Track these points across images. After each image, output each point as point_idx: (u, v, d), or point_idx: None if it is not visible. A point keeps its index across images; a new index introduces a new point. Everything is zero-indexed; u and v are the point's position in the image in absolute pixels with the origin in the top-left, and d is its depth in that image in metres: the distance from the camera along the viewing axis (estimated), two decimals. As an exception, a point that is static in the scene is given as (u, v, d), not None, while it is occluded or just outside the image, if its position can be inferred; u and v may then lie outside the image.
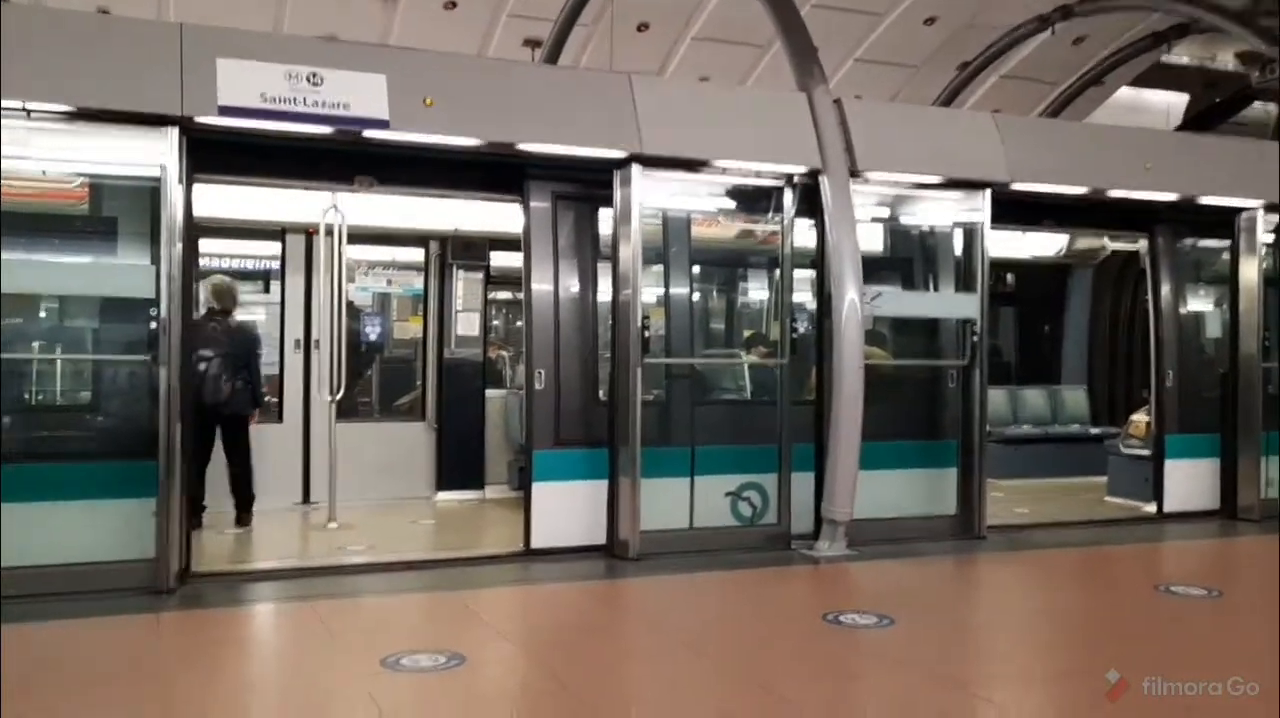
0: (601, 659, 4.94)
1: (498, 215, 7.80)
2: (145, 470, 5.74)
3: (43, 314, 6.33)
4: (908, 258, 8.42)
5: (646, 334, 6.76)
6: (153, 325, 5.74)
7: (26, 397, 6.23)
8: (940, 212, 8.05)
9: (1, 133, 5.43)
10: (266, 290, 9.09)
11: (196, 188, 6.06)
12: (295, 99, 5.92)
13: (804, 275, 7.39)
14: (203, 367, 7.24)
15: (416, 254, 9.21)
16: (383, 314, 9.80)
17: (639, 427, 6.67)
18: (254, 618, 5.88)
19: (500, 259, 9.16)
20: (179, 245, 5.82)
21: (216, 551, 6.73)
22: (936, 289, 8.13)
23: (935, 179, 7.61)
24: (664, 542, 6.78)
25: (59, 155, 6.03)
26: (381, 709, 4.08)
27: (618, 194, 6.80)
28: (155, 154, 5.76)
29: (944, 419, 7.87)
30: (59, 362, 6.38)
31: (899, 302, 7.86)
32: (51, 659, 4.66)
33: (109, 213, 6.47)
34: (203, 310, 7.48)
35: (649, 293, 7.08)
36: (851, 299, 6.89)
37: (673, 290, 7.37)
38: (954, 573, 7.11)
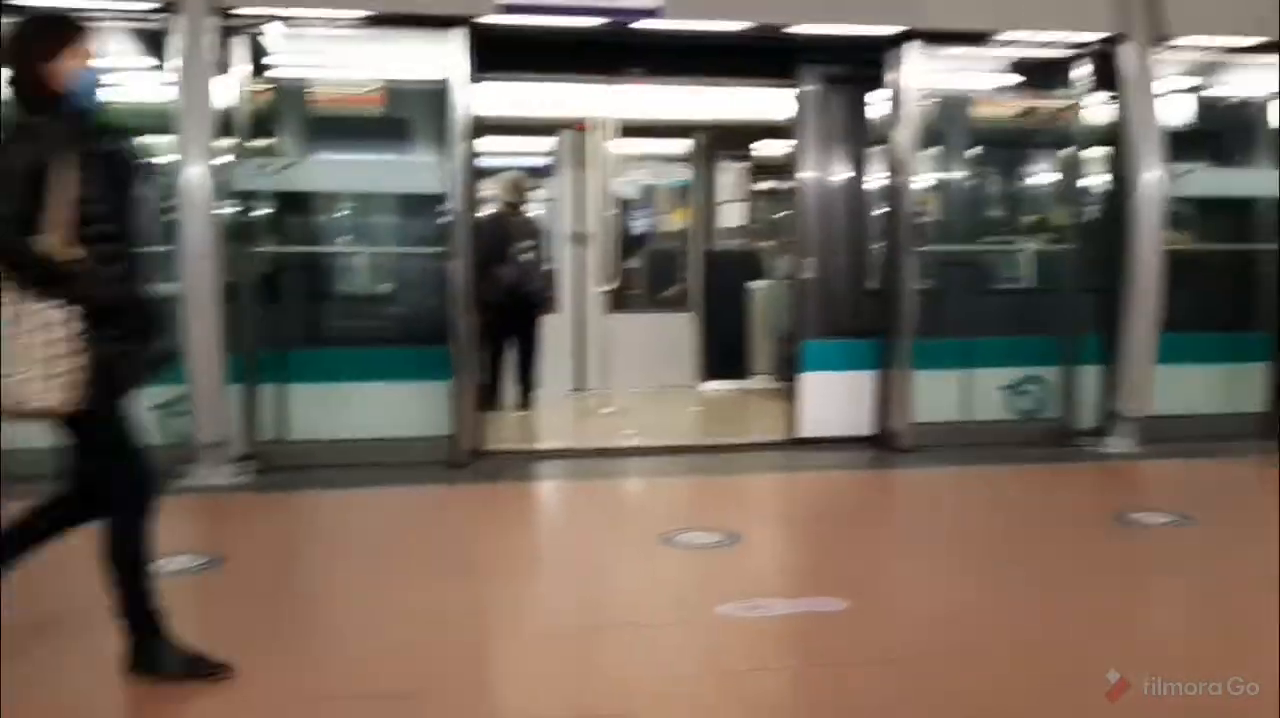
0: (877, 546, 4.93)
1: (763, 104, 7.68)
2: (442, 356, 6.19)
3: (349, 212, 6.90)
4: (1218, 131, 7.55)
5: (921, 221, 6.48)
6: (445, 219, 6.12)
7: (340, 287, 6.85)
8: (1262, 78, 7.13)
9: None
10: (539, 187, 9.45)
11: (478, 86, 6.33)
12: (570, -8, 6.04)
13: (1094, 155, 6.82)
14: (523, 257, 7.56)
15: (682, 146, 9.24)
16: (649, 207, 9.94)
17: (912, 317, 6.50)
18: (540, 492, 6.29)
19: (764, 149, 9.03)
20: (467, 143, 6.14)
21: (504, 431, 7.20)
22: (1253, 165, 7.28)
23: (1260, 40, 6.73)
24: (937, 434, 6.61)
25: (358, 61, 6.52)
26: (662, 581, 4.28)
27: (892, 74, 6.49)
28: (443, 54, 6.06)
29: (1256, 310, 7.13)
30: (365, 255, 6.95)
31: (1208, 180, 7.08)
32: (364, 520, 5.21)
33: (402, 114, 6.89)
34: (497, 207, 7.79)
35: (924, 178, 6.78)
36: (1152, 179, 6.31)
37: (949, 174, 7.01)
38: (1263, 474, 6.50)
